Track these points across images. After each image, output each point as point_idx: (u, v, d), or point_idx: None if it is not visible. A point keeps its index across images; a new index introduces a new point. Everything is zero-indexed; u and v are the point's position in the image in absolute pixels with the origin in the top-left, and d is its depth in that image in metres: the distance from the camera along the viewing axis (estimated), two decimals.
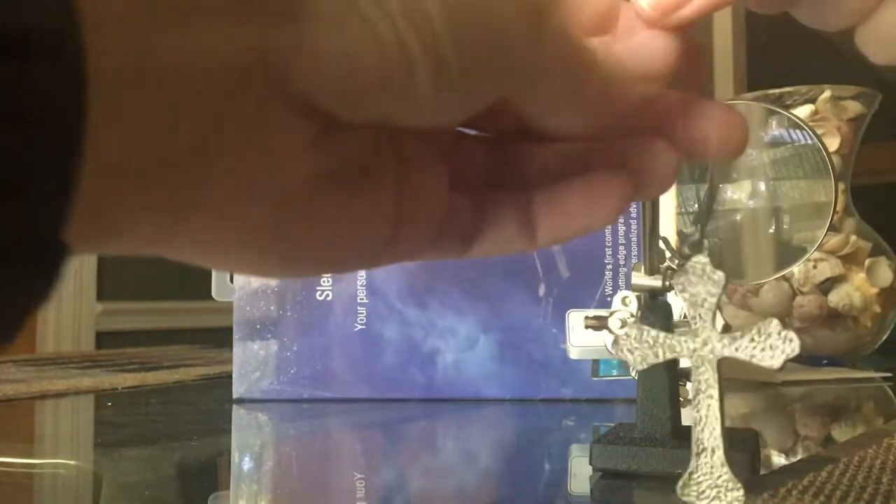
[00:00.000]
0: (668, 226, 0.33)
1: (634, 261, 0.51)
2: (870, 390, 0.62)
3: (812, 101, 0.77)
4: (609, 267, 0.51)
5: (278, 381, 0.51)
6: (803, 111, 0.77)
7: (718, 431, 0.25)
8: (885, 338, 0.78)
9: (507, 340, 0.51)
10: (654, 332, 0.26)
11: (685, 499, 0.25)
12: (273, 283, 0.51)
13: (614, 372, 0.51)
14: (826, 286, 0.75)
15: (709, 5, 0.21)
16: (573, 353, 0.51)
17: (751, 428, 0.33)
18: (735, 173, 0.33)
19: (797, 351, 0.23)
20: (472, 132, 0.23)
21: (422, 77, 0.16)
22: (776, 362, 0.24)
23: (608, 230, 0.52)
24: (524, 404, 0.51)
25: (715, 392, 0.25)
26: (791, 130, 0.33)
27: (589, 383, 0.51)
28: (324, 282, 0.51)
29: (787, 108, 0.78)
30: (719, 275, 0.25)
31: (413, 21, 0.16)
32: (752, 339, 0.24)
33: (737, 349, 0.25)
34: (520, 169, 0.23)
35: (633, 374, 0.33)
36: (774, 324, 0.24)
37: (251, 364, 0.51)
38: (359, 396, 0.51)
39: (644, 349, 0.26)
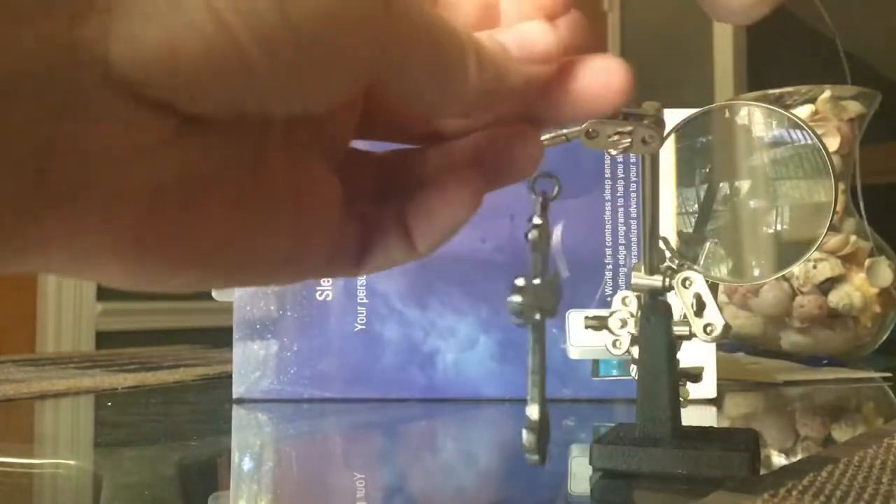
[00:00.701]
0: (668, 226, 0.33)
1: (634, 261, 0.51)
2: (870, 390, 0.62)
3: (812, 101, 0.77)
4: (609, 267, 0.51)
5: (278, 381, 0.51)
6: (803, 111, 0.77)
7: None
8: (885, 338, 0.78)
9: (507, 340, 0.51)
10: None
11: None
12: None
13: (614, 372, 0.51)
14: (826, 286, 0.75)
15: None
16: (573, 353, 0.51)
17: (750, 428, 0.33)
18: (735, 173, 0.33)
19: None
20: (370, 145, 0.24)
21: (256, 61, 0.15)
22: None
23: (608, 230, 0.52)
24: (524, 404, 0.51)
25: None
26: (791, 130, 0.33)
27: (589, 383, 0.51)
28: (324, 282, 0.51)
29: (787, 107, 0.78)
30: None
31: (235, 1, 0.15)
32: None
33: None
34: (404, 180, 0.23)
35: (632, 374, 0.33)
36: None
37: (251, 364, 0.51)
38: (359, 396, 0.51)
39: None
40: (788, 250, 0.33)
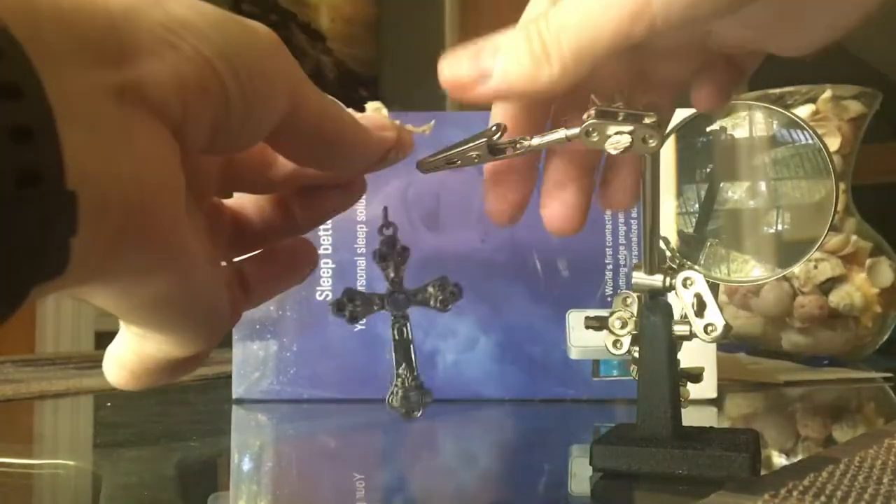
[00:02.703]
0: (669, 226, 0.33)
1: (635, 261, 0.51)
2: (870, 391, 0.62)
3: (813, 100, 0.77)
4: (609, 267, 0.51)
5: (278, 382, 0.51)
6: (804, 111, 0.77)
7: None
8: (885, 338, 0.78)
9: (507, 341, 0.51)
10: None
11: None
12: None
13: (615, 372, 0.51)
14: (827, 286, 0.75)
15: (492, 96, 0.26)
16: (573, 354, 0.51)
17: (751, 428, 0.33)
18: (735, 173, 0.33)
19: None
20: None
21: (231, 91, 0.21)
22: None
23: (609, 230, 0.51)
24: (524, 404, 0.51)
25: None
26: (792, 130, 0.33)
27: (589, 383, 0.51)
28: (324, 282, 0.51)
29: (788, 107, 0.78)
30: None
31: None
32: None
33: None
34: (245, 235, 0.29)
35: (633, 374, 0.33)
36: None
37: (251, 364, 0.51)
38: (358, 397, 0.51)
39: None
40: (789, 250, 0.33)
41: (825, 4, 0.24)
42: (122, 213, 0.18)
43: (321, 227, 0.50)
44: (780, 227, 0.33)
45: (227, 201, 0.29)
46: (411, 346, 0.30)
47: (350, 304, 0.30)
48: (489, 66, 0.26)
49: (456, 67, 0.26)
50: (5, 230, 0.15)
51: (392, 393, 0.29)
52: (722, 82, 0.29)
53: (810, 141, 0.32)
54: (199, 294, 0.22)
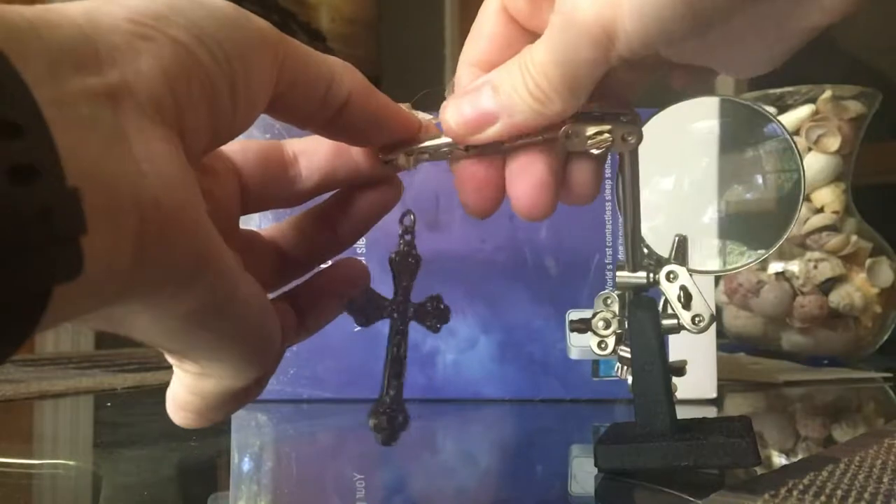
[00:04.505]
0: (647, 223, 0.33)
1: None
2: (870, 391, 0.62)
3: (813, 100, 0.77)
4: (609, 267, 0.51)
5: (278, 382, 0.51)
6: (804, 111, 0.77)
7: None
8: (885, 338, 0.78)
9: (507, 341, 0.51)
10: None
11: None
12: None
13: (614, 372, 0.51)
14: (827, 286, 0.75)
15: (504, 136, 0.26)
16: (573, 354, 0.51)
17: (743, 416, 0.33)
18: (700, 167, 0.34)
19: None
20: None
21: None
22: None
23: (609, 230, 0.51)
24: (524, 404, 0.51)
25: None
26: (760, 123, 0.33)
27: (589, 383, 0.51)
28: None
29: (788, 107, 0.78)
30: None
31: None
32: None
33: None
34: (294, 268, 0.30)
35: (619, 374, 0.33)
36: None
37: None
38: (359, 396, 0.51)
39: None
40: (761, 240, 0.33)
41: (764, 35, 0.24)
42: (136, 212, 0.17)
43: None
44: (746, 221, 0.33)
45: (264, 231, 0.29)
46: (404, 364, 0.30)
47: (368, 306, 0.29)
48: (491, 108, 0.26)
49: (459, 114, 0.26)
50: (4, 224, 0.15)
51: (374, 412, 0.28)
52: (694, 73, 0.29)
53: (778, 133, 0.32)
54: (244, 310, 0.21)
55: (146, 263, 0.18)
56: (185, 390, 0.24)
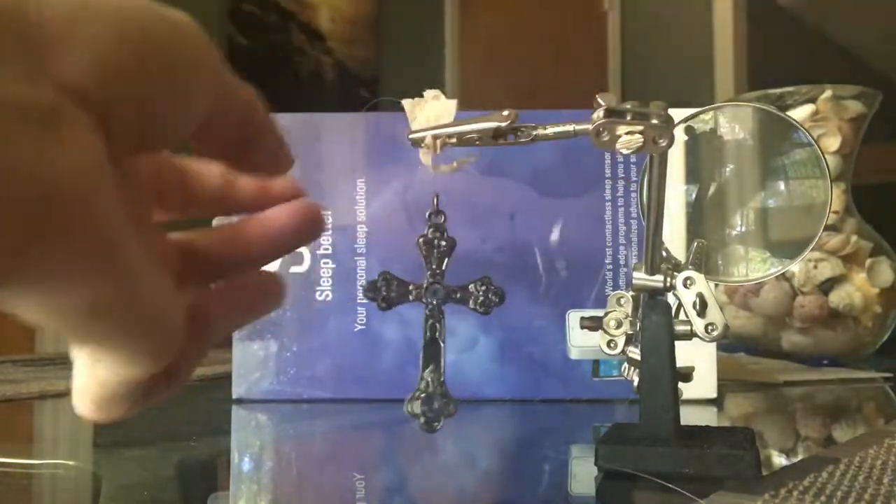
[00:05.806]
0: (674, 226, 0.33)
1: (634, 261, 0.51)
2: (870, 391, 0.62)
3: (813, 100, 0.77)
4: (609, 267, 0.51)
5: (278, 382, 0.51)
6: (804, 111, 0.77)
7: None
8: (885, 338, 0.78)
9: (507, 341, 0.51)
10: None
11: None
12: None
13: (614, 372, 0.51)
14: (827, 286, 0.75)
15: None
16: (573, 354, 0.51)
17: (747, 427, 0.33)
18: (731, 173, 0.33)
19: None
20: None
21: None
22: None
23: (609, 230, 0.51)
24: (524, 404, 0.51)
25: None
26: (788, 132, 0.33)
27: (589, 383, 0.51)
28: (323, 282, 0.51)
29: (788, 107, 0.78)
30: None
31: None
32: None
33: None
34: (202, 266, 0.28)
35: (625, 374, 0.33)
36: None
37: (251, 364, 0.51)
38: (359, 396, 0.51)
39: None
40: (784, 249, 0.33)
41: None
42: (38, 193, 0.17)
43: None
44: (773, 228, 0.33)
45: (174, 236, 0.28)
46: (442, 349, 0.29)
47: (386, 287, 0.29)
48: None
49: None
50: None
51: (413, 397, 0.27)
52: None
53: (806, 142, 0.32)
54: (143, 304, 0.21)
55: (41, 247, 0.17)
56: (85, 379, 0.24)
